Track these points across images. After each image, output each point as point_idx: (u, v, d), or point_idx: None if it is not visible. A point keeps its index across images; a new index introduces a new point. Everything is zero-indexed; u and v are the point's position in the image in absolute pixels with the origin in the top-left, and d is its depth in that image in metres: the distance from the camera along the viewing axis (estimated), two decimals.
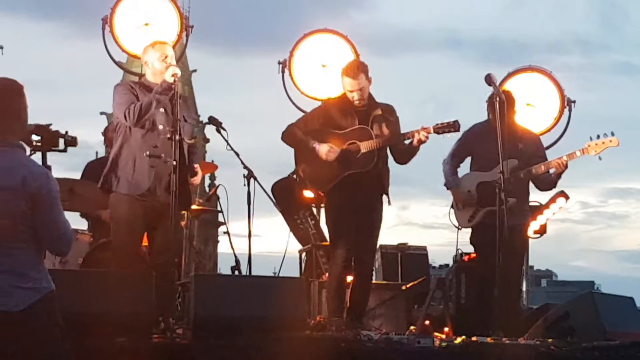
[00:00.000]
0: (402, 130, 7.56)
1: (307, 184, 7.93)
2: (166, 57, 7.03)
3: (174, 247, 7.04)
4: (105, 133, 9.89)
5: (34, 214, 4.47)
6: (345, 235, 7.44)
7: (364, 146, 7.38)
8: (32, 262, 4.55)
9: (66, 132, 6.91)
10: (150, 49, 7.20)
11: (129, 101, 6.86)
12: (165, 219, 6.62)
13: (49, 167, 5.18)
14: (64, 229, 4.63)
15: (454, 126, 7.36)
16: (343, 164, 7.41)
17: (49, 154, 5.44)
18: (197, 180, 7.20)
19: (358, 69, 7.48)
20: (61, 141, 6.82)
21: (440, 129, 7.35)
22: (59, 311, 4.67)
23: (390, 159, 7.64)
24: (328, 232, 7.81)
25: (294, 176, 7.90)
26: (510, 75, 10.22)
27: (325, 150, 7.41)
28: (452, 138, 7.85)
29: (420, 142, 7.36)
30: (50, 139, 5.66)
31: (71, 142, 7.18)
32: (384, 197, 7.60)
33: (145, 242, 7.16)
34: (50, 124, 6.37)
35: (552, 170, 7.95)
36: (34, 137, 5.79)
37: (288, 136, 7.63)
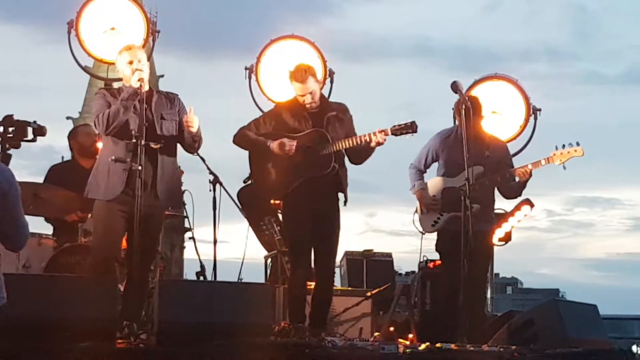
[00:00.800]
0: (358, 131, 7.55)
1: (262, 191, 7.85)
2: (132, 61, 6.99)
3: (150, 251, 7.04)
4: (69, 138, 9.80)
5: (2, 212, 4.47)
6: (303, 241, 7.43)
7: (322, 150, 7.35)
8: None
9: (34, 121, 6.92)
10: (119, 55, 7.19)
11: (100, 108, 6.85)
12: (145, 222, 6.60)
13: (9, 156, 5.18)
14: (26, 223, 4.70)
15: (411, 127, 7.32)
16: (300, 169, 7.38)
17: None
18: (192, 126, 6.92)
19: (306, 73, 7.45)
20: (29, 130, 6.83)
21: (398, 131, 7.32)
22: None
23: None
24: (286, 239, 7.81)
25: (250, 181, 7.83)
26: (476, 83, 10.27)
27: (280, 145, 7.34)
28: (420, 143, 7.87)
29: (379, 144, 7.36)
30: (18, 129, 5.63)
31: (39, 130, 7.19)
32: (341, 198, 7.56)
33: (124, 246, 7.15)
34: (12, 114, 6.34)
35: (516, 179, 8.00)
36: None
37: (240, 138, 7.57)
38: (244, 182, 7.83)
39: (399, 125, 7.33)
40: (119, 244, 7.05)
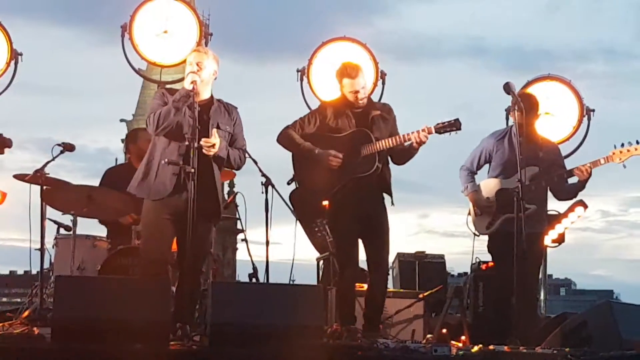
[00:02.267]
0: (401, 130, 7.53)
1: (306, 192, 7.84)
2: (190, 64, 7.02)
3: (199, 254, 7.03)
4: (128, 141, 9.92)
5: None
6: (350, 242, 7.45)
7: (365, 150, 7.36)
8: None
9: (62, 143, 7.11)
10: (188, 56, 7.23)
11: (155, 109, 6.89)
12: (195, 226, 6.61)
13: None
14: None
15: (455, 125, 7.29)
16: (344, 170, 7.38)
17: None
18: (211, 148, 6.82)
19: (356, 69, 7.46)
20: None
21: (442, 128, 7.29)
22: None
23: None
24: (335, 240, 7.81)
25: (294, 183, 7.85)
26: (529, 84, 10.21)
27: (328, 157, 7.37)
28: (473, 144, 7.82)
29: (420, 143, 7.32)
30: None
31: (69, 146, 7.36)
32: (387, 199, 7.56)
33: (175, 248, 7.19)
34: None
35: (573, 180, 7.94)
36: None
37: (285, 139, 7.58)
38: (287, 183, 7.84)
39: (443, 123, 7.30)
40: (168, 247, 7.07)
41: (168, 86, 8.26)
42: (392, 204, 7.58)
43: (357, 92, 7.42)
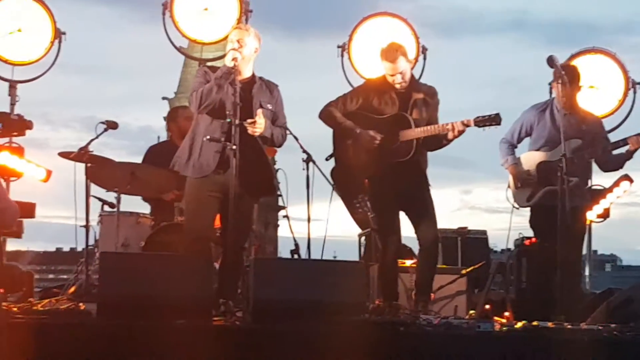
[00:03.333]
0: (441, 116, 7.53)
1: (347, 168, 7.80)
2: (232, 41, 7.02)
3: (243, 230, 7.04)
4: (169, 119, 9.97)
5: None
6: (393, 219, 7.44)
7: (403, 136, 7.34)
8: None
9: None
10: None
11: (197, 87, 6.90)
12: (238, 203, 6.63)
13: None
14: (5, 204, 4.71)
15: (495, 119, 7.23)
16: (382, 152, 7.37)
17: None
18: (255, 126, 6.82)
19: (397, 52, 7.40)
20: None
21: (481, 122, 7.24)
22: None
23: None
24: (376, 217, 7.80)
25: (333, 159, 7.84)
26: (573, 57, 10.12)
27: (367, 138, 7.37)
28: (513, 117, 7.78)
29: (457, 135, 7.28)
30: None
31: (112, 124, 7.46)
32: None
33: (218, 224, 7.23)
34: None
35: (618, 151, 7.87)
36: None
37: (326, 116, 7.57)
38: (326, 159, 7.83)
39: (483, 116, 7.25)
40: (211, 223, 7.11)
41: (209, 64, 8.28)
42: (429, 185, 7.59)
43: (393, 75, 7.40)
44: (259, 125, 6.78)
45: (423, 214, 7.45)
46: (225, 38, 7.82)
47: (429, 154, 7.61)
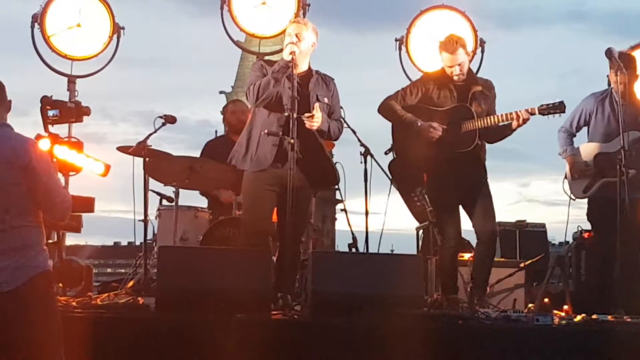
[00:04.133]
0: (501, 108, 7.47)
1: (406, 162, 7.81)
2: (290, 35, 7.04)
3: (300, 224, 7.06)
4: (225, 113, 10.01)
5: (30, 185, 4.54)
6: (452, 212, 7.41)
7: (466, 126, 7.32)
8: (28, 239, 4.58)
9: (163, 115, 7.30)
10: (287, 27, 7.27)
11: (254, 81, 6.93)
12: (295, 196, 6.65)
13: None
14: (63, 194, 4.73)
15: (559, 107, 7.19)
16: (444, 144, 7.35)
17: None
18: (312, 120, 6.84)
19: (456, 44, 7.38)
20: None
21: (545, 110, 7.19)
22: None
23: None
24: (435, 211, 7.79)
25: (392, 152, 7.83)
26: (632, 48, 9.98)
27: (429, 129, 7.35)
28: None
29: (524, 122, 7.22)
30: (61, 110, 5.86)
31: (170, 119, 7.54)
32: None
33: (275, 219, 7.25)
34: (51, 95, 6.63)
35: None
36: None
37: (386, 109, 7.55)
38: (385, 153, 7.82)
39: (547, 104, 7.21)
40: (269, 217, 7.11)
41: (266, 58, 8.30)
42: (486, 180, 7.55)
43: (452, 67, 7.39)
44: (317, 119, 6.80)
45: (481, 207, 7.42)
46: (283, 32, 7.83)
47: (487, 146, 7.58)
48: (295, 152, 6.59)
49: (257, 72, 7.04)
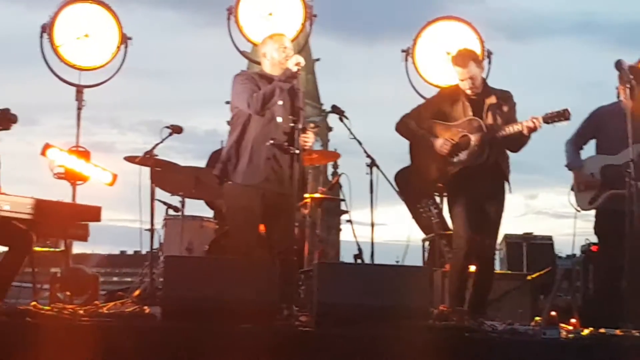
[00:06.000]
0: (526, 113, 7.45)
1: (423, 178, 7.81)
2: (285, 48, 7.07)
3: (294, 235, 7.06)
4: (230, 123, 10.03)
5: None
6: (466, 225, 7.38)
7: (474, 139, 7.31)
8: None
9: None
10: (268, 40, 7.26)
11: (250, 90, 6.92)
12: (282, 208, 6.65)
13: None
14: None
15: (564, 115, 7.17)
16: (455, 157, 7.39)
17: None
18: (305, 143, 7.02)
19: (468, 57, 7.41)
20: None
21: (550, 118, 7.18)
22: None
23: None
24: (452, 221, 7.77)
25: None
26: None
27: (439, 144, 7.38)
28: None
29: (530, 130, 7.21)
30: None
31: (177, 129, 7.48)
32: (506, 185, 7.50)
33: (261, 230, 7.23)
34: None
35: None
36: None
37: (402, 128, 7.61)
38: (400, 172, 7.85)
39: (552, 112, 7.20)
40: (257, 229, 7.12)
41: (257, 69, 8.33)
42: (510, 191, 7.53)
43: (464, 80, 7.40)
44: (310, 138, 6.96)
45: (488, 222, 7.41)
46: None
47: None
48: (300, 164, 6.62)
49: (249, 82, 7.03)
